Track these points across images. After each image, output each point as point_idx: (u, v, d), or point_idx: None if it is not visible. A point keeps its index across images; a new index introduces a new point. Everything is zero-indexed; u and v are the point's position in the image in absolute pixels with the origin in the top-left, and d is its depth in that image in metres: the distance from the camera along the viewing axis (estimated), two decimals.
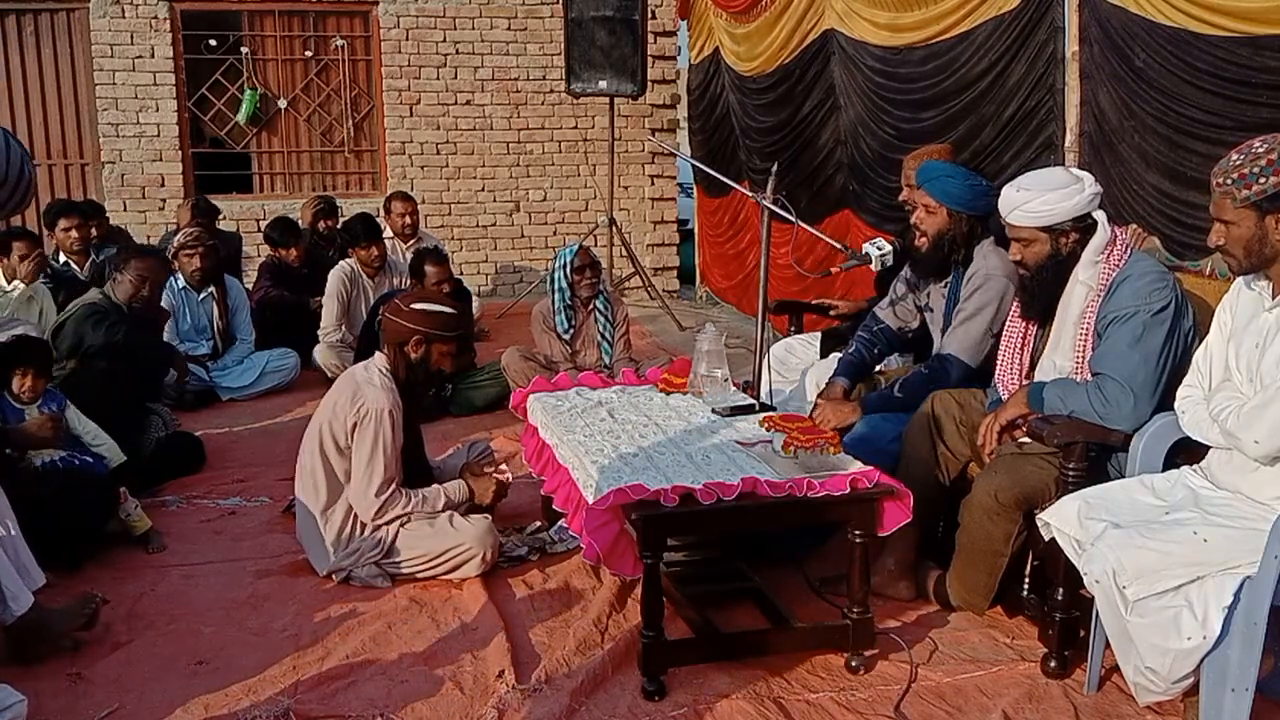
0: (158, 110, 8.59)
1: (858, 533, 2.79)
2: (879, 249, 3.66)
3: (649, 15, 8.11)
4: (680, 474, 2.80)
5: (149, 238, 8.02)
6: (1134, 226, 3.91)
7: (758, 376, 3.58)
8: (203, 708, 2.68)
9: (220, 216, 7.90)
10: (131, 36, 8.46)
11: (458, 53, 9.03)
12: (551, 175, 9.33)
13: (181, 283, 5.95)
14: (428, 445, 3.92)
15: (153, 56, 8.53)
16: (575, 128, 9.29)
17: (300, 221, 7.44)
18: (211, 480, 4.50)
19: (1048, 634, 2.84)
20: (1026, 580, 3.01)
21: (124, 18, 8.43)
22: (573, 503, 3.02)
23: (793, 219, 3.47)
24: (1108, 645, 2.54)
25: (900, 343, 3.89)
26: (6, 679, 2.58)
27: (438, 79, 9.02)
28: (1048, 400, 2.89)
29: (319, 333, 6.17)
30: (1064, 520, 2.59)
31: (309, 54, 8.88)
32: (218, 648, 3.01)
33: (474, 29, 9.03)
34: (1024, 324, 3.15)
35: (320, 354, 6.06)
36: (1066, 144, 4.40)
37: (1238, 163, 2.40)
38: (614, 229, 8.19)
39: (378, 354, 3.53)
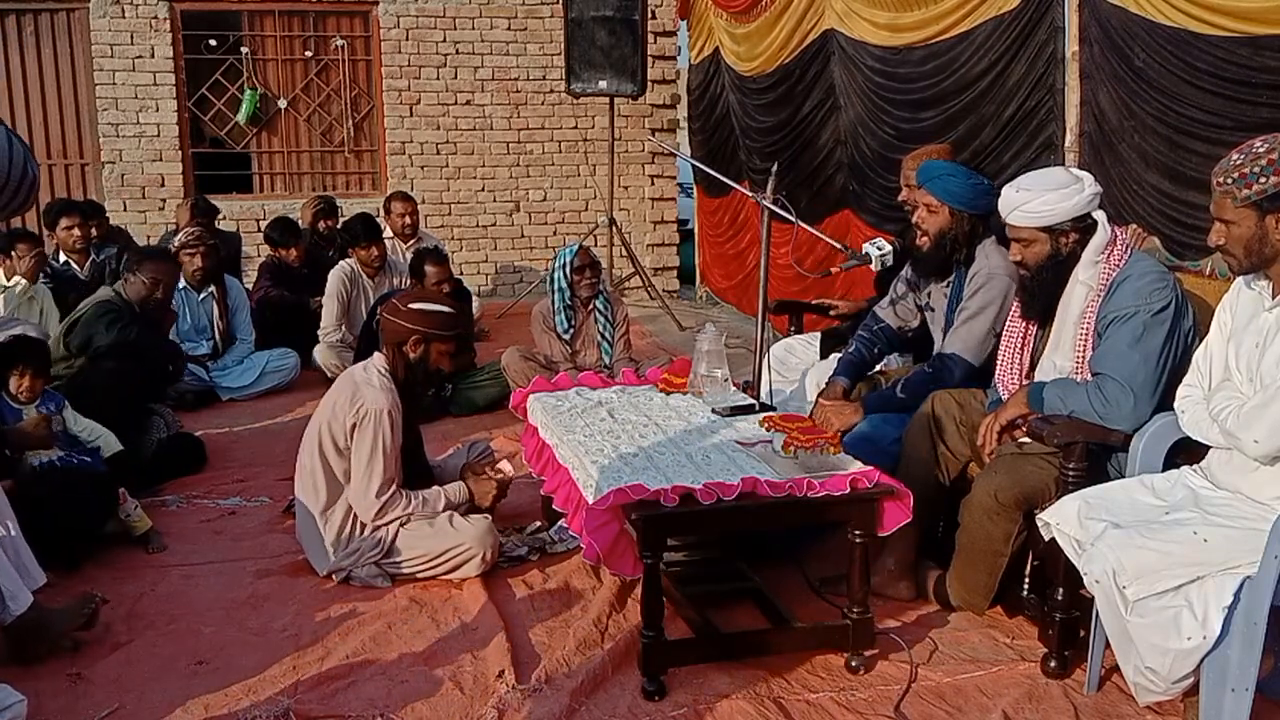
0: (158, 110, 8.60)
1: (858, 533, 2.79)
2: (879, 249, 3.66)
3: (649, 15, 8.11)
4: (680, 474, 2.80)
5: (149, 238, 8.02)
6: (1134, 226, 3.91)
7: (758, 376, 3.58)
8: (203, 708, 2.68)
9: (220, 216, 7.90)
10: (131, 36, 8.46)
11: (458, 53, 9.03)
12: (551, 175, 9.33)
13: (182, 283, 5.93)
14: (428, 445, 3.93)
15: (153, 56, 8.53)
16: (575, 128, 9.29)
17: (300, 221, 7.44)
18: (211, 480, 4.50)
19: (1048, 634, 2.84)
20: (1026, 580, 3.01)
21: (124, 18, 8.43)
22: (573, 503, 3.02)
23: (793, 219, 3.47)
24: (1108, 645, 2.54)
25: (900, 342, 3.89)
26: (6, 679, 2.57)
27: (438, 79, 9.02)
28: (1048, 400, 2.89)
29: (319, 333, 6.17)
30: (1064, 520, 2.59)
31: (309, 54, 8.88)
32: (218, 648, 3.01)
33: (474, 29, 9.03)
34: (1024, 324, 3.15)
35: (320, 354, 6.06)
36: (1066, 144, 4.40)
37: (1238, 162, 2.40)
38: (614, 229, 8.19)
39: (376, 354, 3.53)
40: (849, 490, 2.74)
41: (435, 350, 3.49)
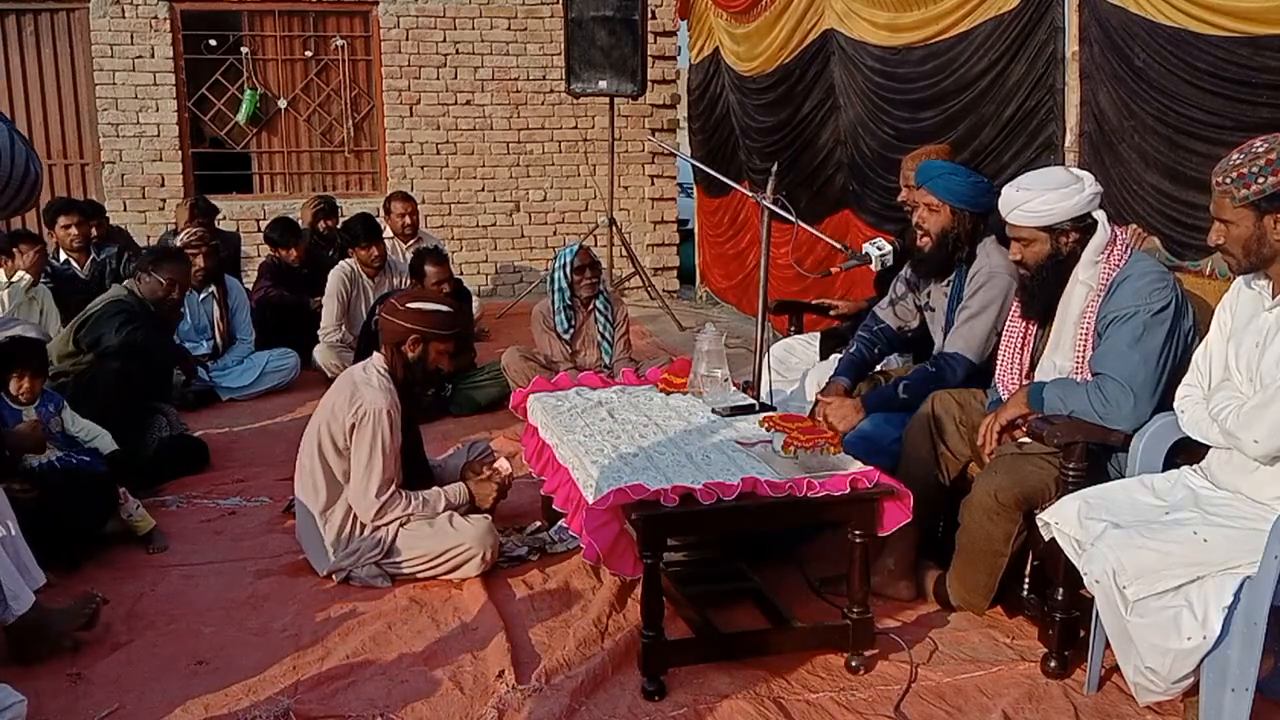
0: (158, 110, 8.60)
1: (858, 533, 2.79)
2: (879, 249, 3.66)
3: (649, 15, 8.11)
4: (680, 474, 2.80)
5: (149, 238, 8.02)
6: (1134, 226, 3.91)
7: (758, 376, 3.58)
8: (203, 708, 2.68)
9: (220, 216, 7.90)
10: (131, 36, 8.46)
11: (458, 53, 9.03)
12: (551, 175, 9.33)
13: None
14: (428, 445, 3.93)
15: (153, 56, 8.53)
16: (575, 128, 9.30)
17: (300, 221, 7.44)
18: (211, 480, 4.50)
19: (1048, 634, 2.84)
20: (1026, 580, 3.00)
21: (124, 18, 8.43)
22: (573, 503, 3.02)
23: (793, 219, 3.47)
24: (1108, 645, 2.54)
25: (900, 342, 3.88)
26: (6, 679, 2.58)
27: (438, 79, 9.02)
28: (1048, 400, 2.89)
29: (319, 333, 6.17)
30: (1064, 520, 2.59)
31: (309, 54, 8.89)
32: (218, 648, 3.01)
33: (474, 29, 9.03)
34: (1024, 324, 3.15)
35: (320, 354, 6.06)
36: (1066, 144, 4.40)
37: (1237, 162, 2.40)
38: (614, 229, 8.19)
39: (375, 354, 3.53)
40: (849, 490, 2.74)
41: (434, 350, 3.49)
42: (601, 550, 2.67)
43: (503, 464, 3.77)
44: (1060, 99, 4.44)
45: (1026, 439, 2.95)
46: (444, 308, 3.53)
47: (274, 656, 2.94)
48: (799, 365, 4.40)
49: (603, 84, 7.72)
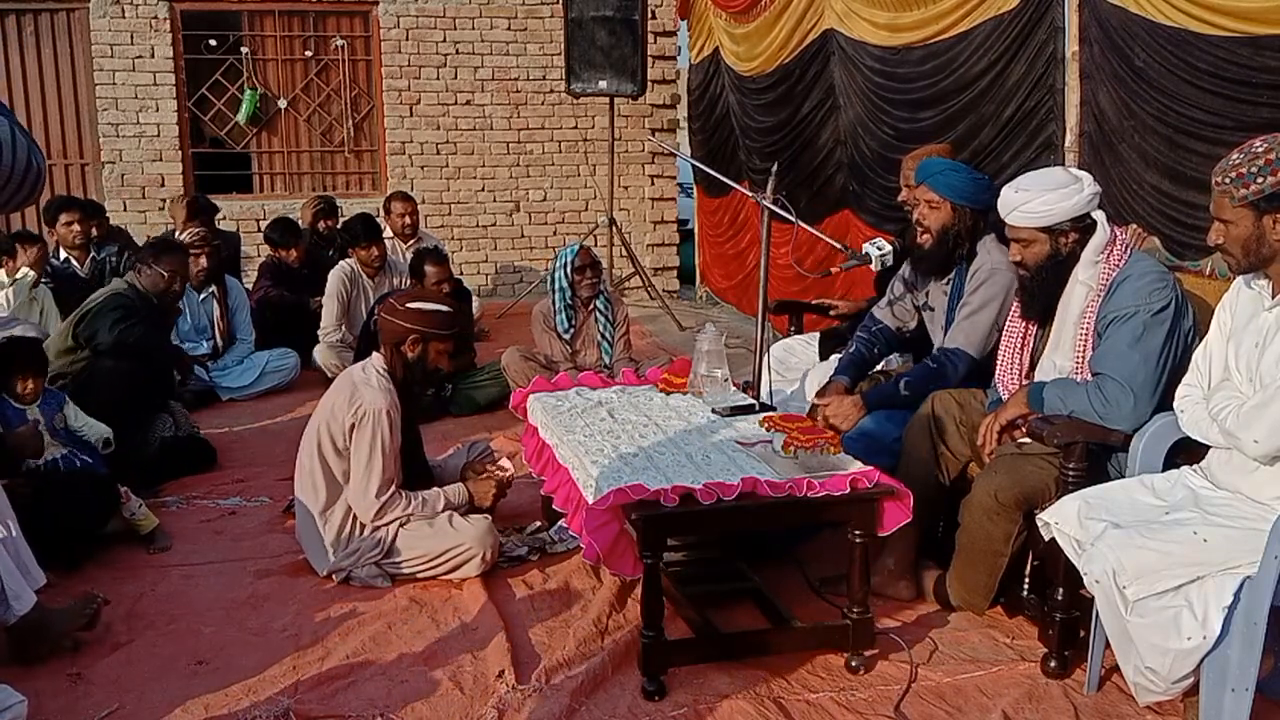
0: (158, 110, 8.60)
1: (858, 533, 2.79)
2: (879, 249, 3.66)
3: (649, 15, 8.11)
4: (680, 474, 2.80)
5: (149, 238, 7.99)
6: (1134, 226, 3.91)
7: (758, 376, 3.58)
8: (203, 708, 2.68)
9: (220, 216, 7.90)
10: (131, 36, 8.46)
11: (458, 53, 9.03)
12: (551, 175, 9.33)
13: None
14: (428, 445, 3.93)
15: (153, 56, 8.53)
16: (575, 128, 9.30)
17: (300, 221, 7.44)
18: (211, 480, 4.50)
19: (1048, 634, 2.84)
20: (1026, 580, 3.01)
21: (124, 18, 8.43)
22: (573, 503, 3.02)
23: (793, 219, 3.47)
24: (1108, 645, 2.54)
25: (899, 343, 3.88)
26: (7, 679, 2.58)
27: (438, 79, 9.02)
28: (1048, 400, 2.89)
29: (319, 333, 6.17)
30: (1064, 520, 2.59)
31: (309, 54, 8.89)
32: (218, 648, 3.01)
33: (474, 29, 9.03)
34: (1024, 324, 3.15)
35: (320, 354, 6.06)
36: (1066, 144, 4.40)
37: (1237, 162, 2.40)
38: (614, 229, 8.19)
39: (375, 354, 3.53)
40: (849, 490, 2.74)
41: (433, 349, 3.49)
42: (601, 550, 2.67)
43: (505, 464, 3.77)
44: (1060, 99, 4.44)
45: (1026, 439, 2.95)
46: (444, 308, 3.53)
47: (274, 656, 2.94)
48: (799, 365, 4.40)
49: (603, 84, 7.72)
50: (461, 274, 7.80)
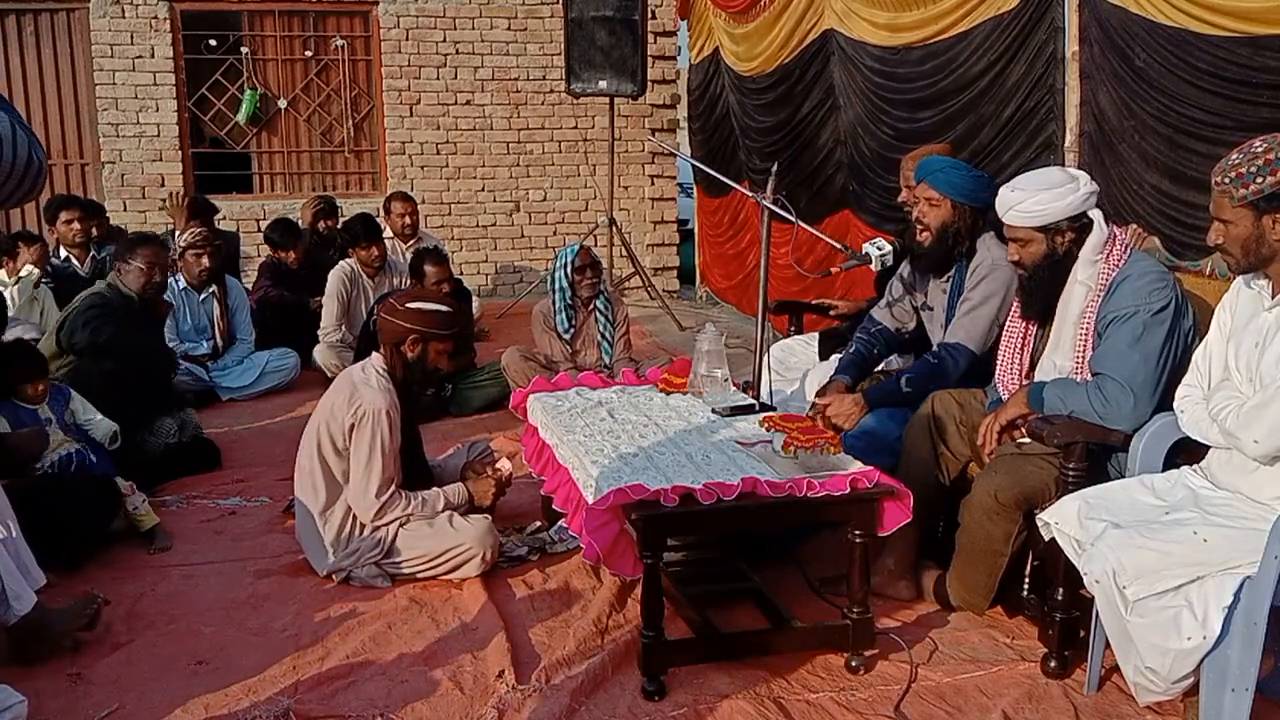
0: (158, 110, 8.60)
1: (858, 533, 2.79)
2: (879, 249, 3.65)
3: (649, 15, 8.11)
4: (680, 474, 2.80)
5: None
6: (1134, 226, 3.91)
7: (758, 376, 3.58)
8: (203, 708, 2.68)
9: (220, 216, 7.90)
10: (131, 36, 8.46)
11: (458, 53, 9.03)
12: (551, 175, 9.33)
13: (183, 283, 5.95)
14: (427, 445, 3.92)
15: (153, 56, 8.53)
16: (575, 128, 9.30)
17: (300, 221, 7.44)
18: (211, 480, 4.50)
19: (1048, 634, 2.84)
20: (1026, 580, 3.01)
21: (124, 18, 8.43)
22: (573, 503, 3.02)
23: (793, 219, 3.47)
24: (1108, 645, 2.54)
25: (899, 344, 3.88)
26: (7, 679, 2.57)
27: (438, 79, 9.02)
28: (1048, 400, 2.89)
29: (319, 333, 6.17)
30: (1064, 520, 2.59)
31: (309, 54, 8.89)
32: (218, 648, 3.01)
33: (474, 29, 9.03)
34: (1024, 324, 3.15)
35: (320, 354, 6.06)
36: (1066, 144, 4.40)
37: (1236, 162, 2.40)
38: (614, 229, 8.19)
39: (375, 354, 3.53)
40: (849, 490, 2.74)
41: (433, 349, 3.49)
42: (601, 550, 2.67)
43: (504, 464, 3.77)
44: (1060, 99, 4.44)
45: (1026, 439, 2.95)
46: (443, 308, 3.53)
47: (274, 656, 2.94)
48: (799, 365, 4.39)
49: (603, 84, 7.72)
50: (461, 274, 7.80)
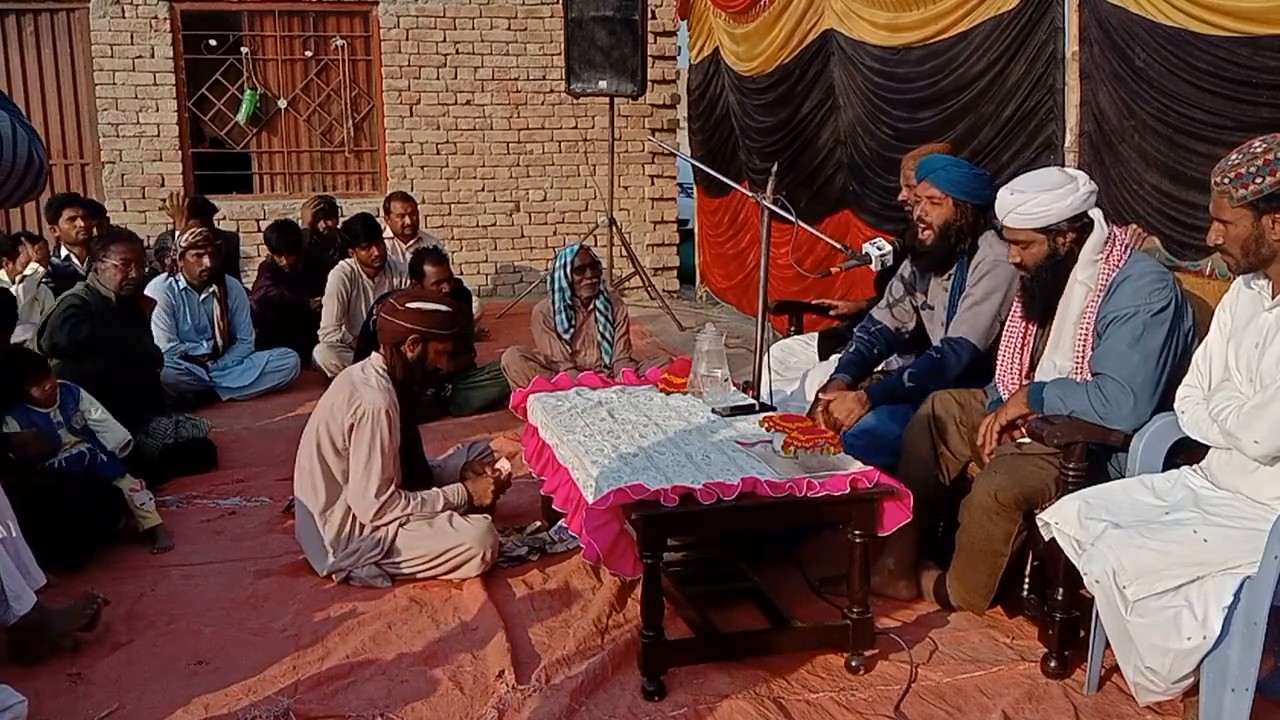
0: (158, 110, 8.60)
1: (858, 533, 2.79)
2: (879, 249, 3.65)
3: (649, 15, 8.11)
4: (680, 474, 2.80)
5: (149, 238, 8.00)
6: (1134, 227, 3.91)
7: (758, 376, 3.57)
8: (203, 708, 2.68)
9: (220, 216, 7.90)
10: (131, 36, 8.46)
11: (458, 53, 9.03)
12: (551, 175, 9.33)
13: (183, 283, 5.95)
14: (427, 445, 3.93)
15: (153, 56, 8.53)
16: (575, 128, 9.29)
17: (300, 221, 7.44)
18: (211, 480, 4.50)
19: (1048, 634, 2.84)
20: (1026, 580, 3.00)
21: (124, 18, 8.43)
22: (573, 503, 3.02)
23: (793, 219, 3.47)
24: (1108, 645, 2.54)
25: (899, 344, 3.88)
26: (7, 679, 2.57)
27: (438, 79, 9.02)
28: (1048, 400, 2.89)
29: (319, 333, 6.17)
30: (1064, 520, 2.59)
31: (309, 54, 8.88)
32: (218, 648, 3.01)
33: (474, 29, 9.03)
34: (1024, 324, 3.15)
35: (320, 354, 6.06)
36: (1066, 144, 4.40)
37: (1236, 162, 2.40)
38: (614, 229, 8.19)
39: (374, 354, 3.53)
40: (849, 490, 2.74)
41: (433, 349, 3.49)
42: (601, 550, 2.67)
43: (503, 464, 3.77)
44: (1060, 99, 4.44)
45: (1026, 439, 2.95)
46: (443, 307, 3.53)
47: (274, 656, 2.94)
48: (799, 365, 4.39)
49: (603, 84, 7.72)
50: (461, 274, 7.80)
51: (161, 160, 8.65)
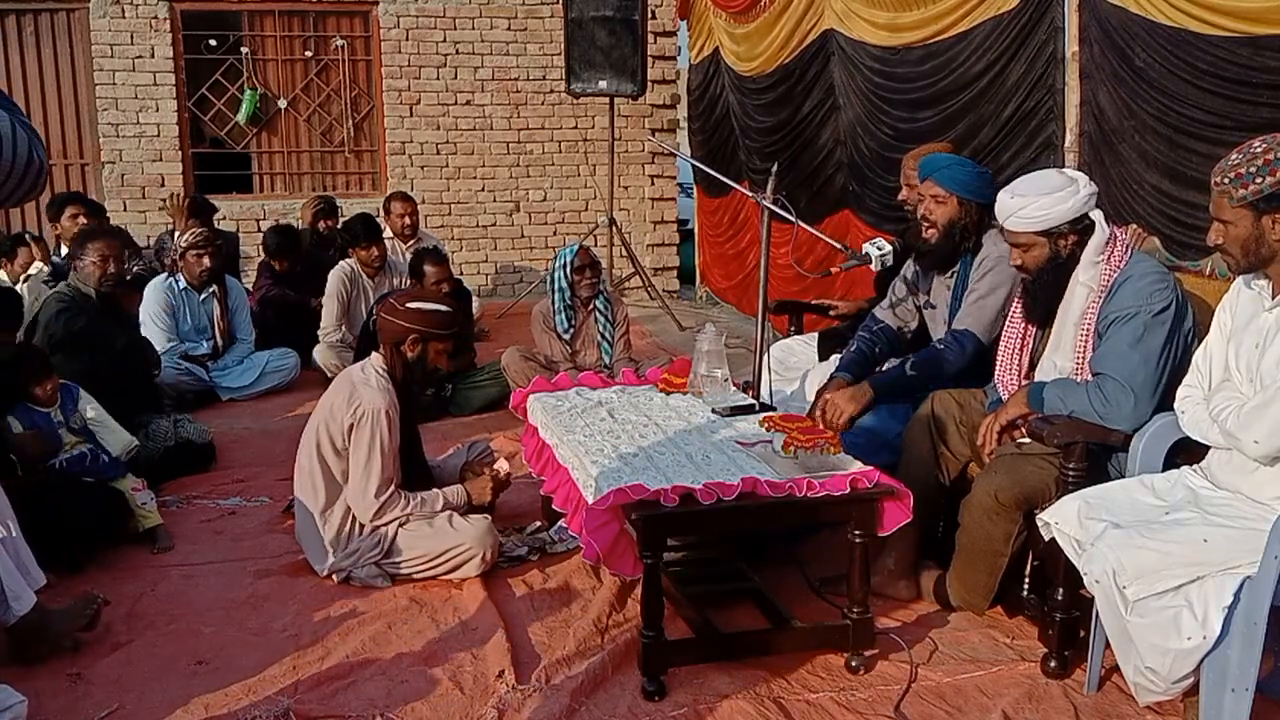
0: (158, 110, 8.60)
1: (858, 533, 2.79)
2: (879, 249, 3.65)
3: (649, 15, 8.11)
4: (680, 474, 2.80)
5: (149, 238, 8.01)
6: (1134, 227, 3.91)
7: (758, 376, 3.57)
8: (203, 708, 2.68)
9: (220, 216, 7.90)
10: (131, 36, 8.46)
11: (458, 53, 9.03)
12: (551, 175, 9.33)
13: (183, 283, 5.95)
14: (427, 445, 3.92)
15: (153, 56, 8.53)
16: (575, 128, 9.30)
17: (300, 221, 7.44)
18: (211, 480, 4.50)
19: (1048, 634, 2.84)
20: (1026, 580, 3.01)
21: (124, 18, 8.43)
22: (573, 503, 3.02)
23: (793, 219, 3.47)
24: (1108, 645, 2.54)
25: (901, 343, 3.88)
26: (7, 679, 2.57)
27: (438, 79, 9.02)
28: (1048, 400, 2.89)
29: (319, 333, 6.17)
30: (1064, 520, 2.59)
31: (309, 54, 8.88)
32: (218, 648, 3.01)
33: (474, 29, 9.03)
34: (1024, 324, 3.15)
35: (320, 354, 6.06)
36: (1066, 144, 4.40)
37: (1236, 162, 2.40)
38: (614, 229, 8.19)
39: (374, 354, 3.53)
40: (849, 490, 2.74)
41: (433, 349, 3.49)
42: (601, 550, 2.67)
43: (501, 464, 3.77)
44: (1060, 99, 4.44)
45: (1026, 439, 2.95)
46: (443, 307, 3.53)
47: (274, 656, 2.94)
48: (799, 365, 4.39)
49: (603, 84, 7.72)
50: (461, 274, 7.80)
51: (161, 160, 8.65)
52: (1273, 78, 3.40)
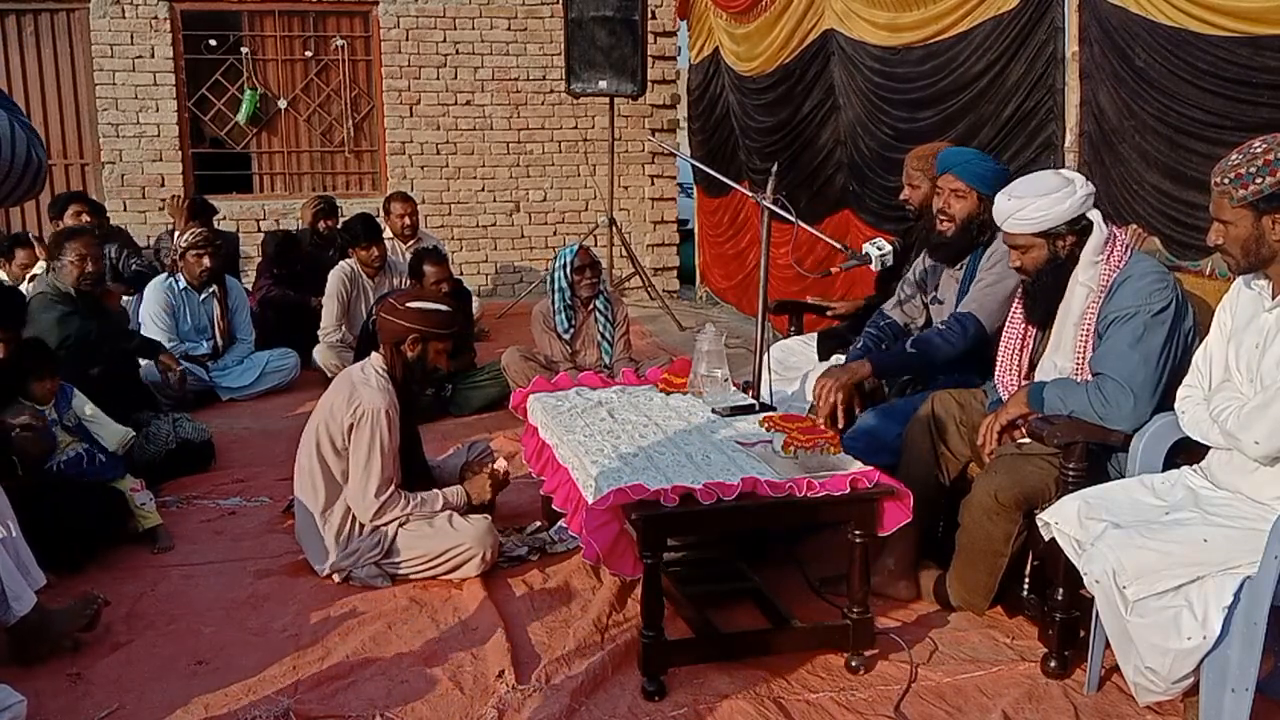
0: (158, 110, 8.60)
1: (858, 533, 2.79)
2: (879, 249, 3.65)
3: (649, 15, 8.11)
4: (680, 474, 2.80)
5: (149, 238, 8.02)
6: (1134, 227, 3.91)
7: (758, 376, 3.57)
8: (203, 708, 2.68)
9: (220, 217, 7.89)
10: (131, 36, 8.46)
11: (458, 53, 9.03)
12: (551, 175, 9.33)
13: (183, 283, 5.95)
14: (427, 445, 3.92)
15: (153, 56, 8.53)
16: (575, 128, 9.30)
17: (300, 221, 7.43)
18: (211, 480, 4.50)
19: (1048, 634, 2.84)
20: (1026, 580, 3.01)
21: (124, 18, 8.43)
22: (573, 503, 3.02)
23: (793, 219, 3.47)
24: (1108, 645, 2.54)
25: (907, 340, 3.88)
26: (7, 679, 2.57)
27: (438, 79, 9.02)
28: (1048, 400, 2.89)
29: (319, 333, 6.17)
30: (1064, 520, 2.59)
31: (309, 54, 8.88)
32: (218, 648, 3.01)
33: (474, 29, 9.03)
34: (1024, 324, 3.15)
35: (320, 354, 6.05)
36: (1066, 144, 4.40)
37: (1236, 162, 2.40)
38: (614, 229, 8.19)
39: (374, 354, 3.53)
40: (849, 490, 2.74)
41: (433, 349, 3.49)
42: (601, 550, 2.67)
43: (500, 463, 3.77)
44: (1060, 99, 4.44)
45: (1026, 439, 2.95)
46: (443, 307, 3.53)
47: (274, 656, 2.94)
48: (799, 365, 4.39)
49: (603, 84, 7.72)
50: (461, 274, 7.80)
51: (161, 160, 8.65)
52: (1273, 78, 3.40)
